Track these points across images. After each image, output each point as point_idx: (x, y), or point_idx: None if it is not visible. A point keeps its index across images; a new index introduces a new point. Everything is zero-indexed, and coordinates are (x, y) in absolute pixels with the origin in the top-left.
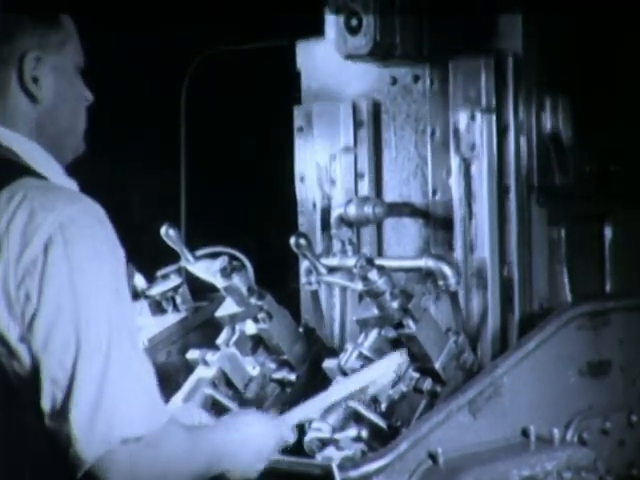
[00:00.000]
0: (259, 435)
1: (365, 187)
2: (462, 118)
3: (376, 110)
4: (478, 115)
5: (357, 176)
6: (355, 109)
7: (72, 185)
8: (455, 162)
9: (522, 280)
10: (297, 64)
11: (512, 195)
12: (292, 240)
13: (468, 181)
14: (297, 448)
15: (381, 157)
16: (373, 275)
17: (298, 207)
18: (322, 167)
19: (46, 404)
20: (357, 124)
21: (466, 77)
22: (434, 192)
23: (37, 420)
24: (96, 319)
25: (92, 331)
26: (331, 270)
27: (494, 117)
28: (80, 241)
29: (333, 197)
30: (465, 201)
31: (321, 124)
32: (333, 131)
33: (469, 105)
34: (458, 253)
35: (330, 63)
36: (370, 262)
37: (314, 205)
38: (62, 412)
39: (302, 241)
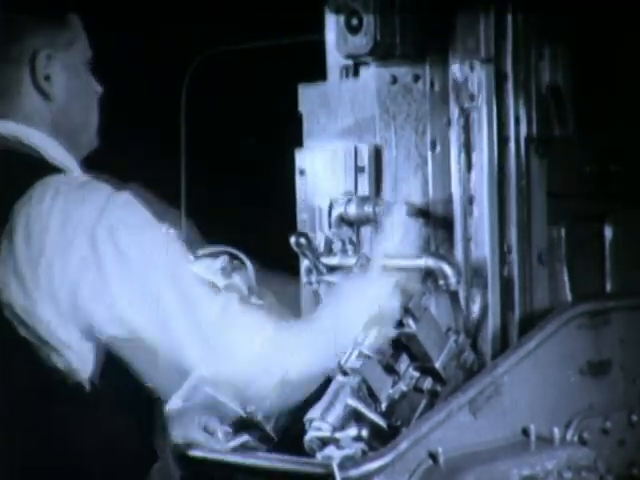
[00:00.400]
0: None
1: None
2: (461, 69)
3: (377, 155)
4: (477, 65)
5: None
6: (356, 154)
7: None
8: (454, 113)
9: (522, 279)
10: (299, 107)
11: (511, 145)
12: (292, 239)
13: (467, 131)
14: (297, 448)
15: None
16: None
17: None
18: (323, 212)
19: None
20: (358, 169)
21: (465, 28)
22: (433, 145)
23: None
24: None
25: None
26: (331, 269)
27: (493, 67)
28: (123, 231)
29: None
30: (464, 151)
31: (322, 168)
32: (334, 176)
33: (468, 55)
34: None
35: (331, 107)
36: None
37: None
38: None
39: (302, 240)
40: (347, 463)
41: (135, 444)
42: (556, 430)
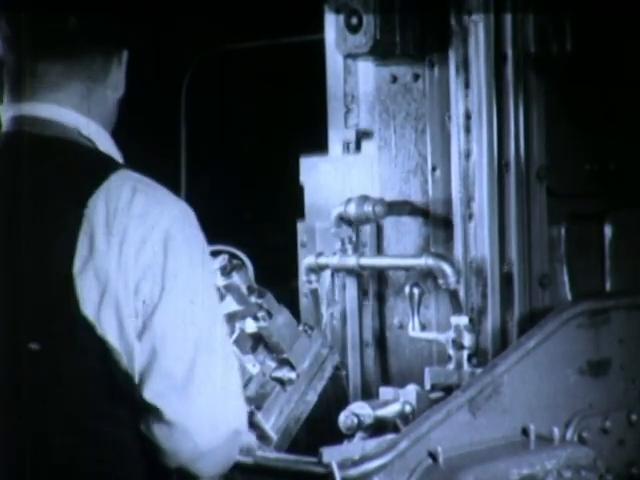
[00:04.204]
0: None
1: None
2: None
3: (378, 232)
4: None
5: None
6: (358, 230)
7: None
8: (455, 27)
9: (522, 278)
10: (300, 179)
11: (509, 62)
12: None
13: (466, 48)
14: (297, 447)
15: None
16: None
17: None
18: (326, 286)
19: (152, 395)
20: (360, 245)
21: None
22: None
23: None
24: (212, 319)
25: (210, 331)
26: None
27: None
28: (193, 237)
29: None
30: (462, 68)
31: (323, 242)
32: (334, 251)
33: None
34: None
35: (333, 179)
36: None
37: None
38: (178, 405)
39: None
40: (347, 462)
41: None
42: (556, 429)
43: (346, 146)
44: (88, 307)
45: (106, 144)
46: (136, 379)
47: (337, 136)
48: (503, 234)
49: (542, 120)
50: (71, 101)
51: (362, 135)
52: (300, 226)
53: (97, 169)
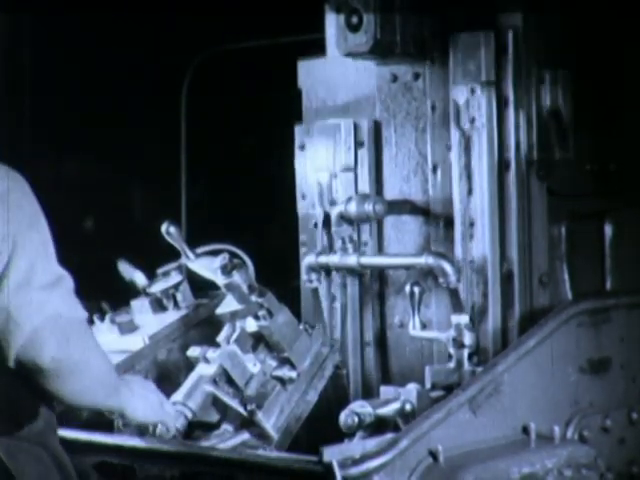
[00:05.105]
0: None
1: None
2: (462, 92)
3: (377, 129)
4: (478, 89)
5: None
6: (356, 128)
7: None
8: (455, 136)
9: (522, 277)
10: (298, 82)
11: (512, 169)
12: (163, 227)
13: (468, 155)
14: (298, 446)
15: (382, 177)
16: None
17: (299, 223)
18: (323, 185)
19: None
20: (358, 144)
21: (466, 51)
22: (434, 168)
23: None
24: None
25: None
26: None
27: (494, 91)
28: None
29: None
30: (465, 175)
31: (321, 143)
32: (333, 150)
33: (469, 79)
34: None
35: (331, 82)
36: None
37: (315, 224)
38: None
39: (172, 229)
40: (347, 461)
41: None
42: (556, 428)
43: None
44: None
45: None
46: None
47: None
48: (503, 233)
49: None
50: None
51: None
52: (298, 128)
53: None
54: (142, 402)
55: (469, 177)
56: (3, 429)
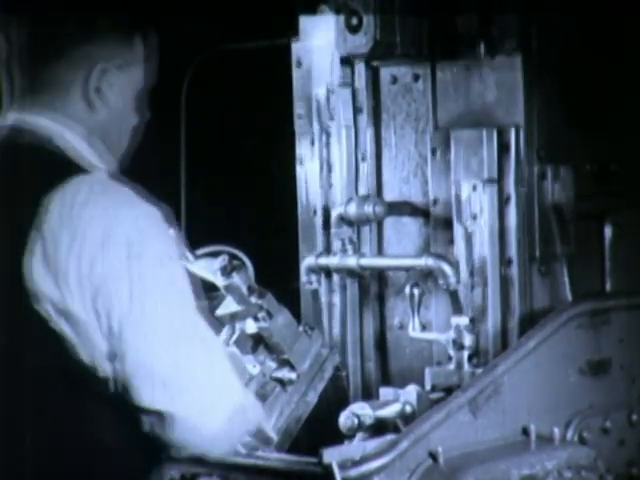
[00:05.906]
0: None
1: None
2: (464, 188)
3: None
4: (480, 186)
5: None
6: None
7: None
8: (458, 232)
9: (522, 278)
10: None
11: (514, 265)
12: None
13: (470, 251)
14: (297, 448)
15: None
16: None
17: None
18: (320, 101)
19: (148, 401)
20: (355, 58)
21: (468, 148)
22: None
23: (102, 408)
24: (183, 309)
25: (183, 323)
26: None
27: (496, 188)
28: (154, 237)
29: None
30: (467, 271)
31: (319, 58)
32: (329, 65)
33: (471, 176)
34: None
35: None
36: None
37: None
38: (174, 402)
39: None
40: (347, 463)
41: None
42: (556, 430)
43: None
44: (50, 298)
45: (83, 152)
46: (115, 385)
47: None
48: (503, 234)
49: (542, 118)
50: (65, 112)
51: None
52: (294, 46)
53: (58, 173)
54: None
55: (472, 272)
56: None
